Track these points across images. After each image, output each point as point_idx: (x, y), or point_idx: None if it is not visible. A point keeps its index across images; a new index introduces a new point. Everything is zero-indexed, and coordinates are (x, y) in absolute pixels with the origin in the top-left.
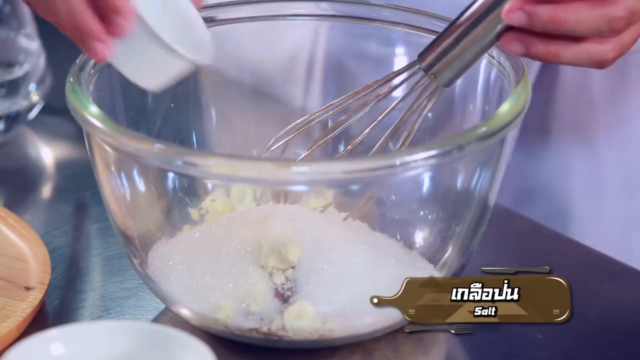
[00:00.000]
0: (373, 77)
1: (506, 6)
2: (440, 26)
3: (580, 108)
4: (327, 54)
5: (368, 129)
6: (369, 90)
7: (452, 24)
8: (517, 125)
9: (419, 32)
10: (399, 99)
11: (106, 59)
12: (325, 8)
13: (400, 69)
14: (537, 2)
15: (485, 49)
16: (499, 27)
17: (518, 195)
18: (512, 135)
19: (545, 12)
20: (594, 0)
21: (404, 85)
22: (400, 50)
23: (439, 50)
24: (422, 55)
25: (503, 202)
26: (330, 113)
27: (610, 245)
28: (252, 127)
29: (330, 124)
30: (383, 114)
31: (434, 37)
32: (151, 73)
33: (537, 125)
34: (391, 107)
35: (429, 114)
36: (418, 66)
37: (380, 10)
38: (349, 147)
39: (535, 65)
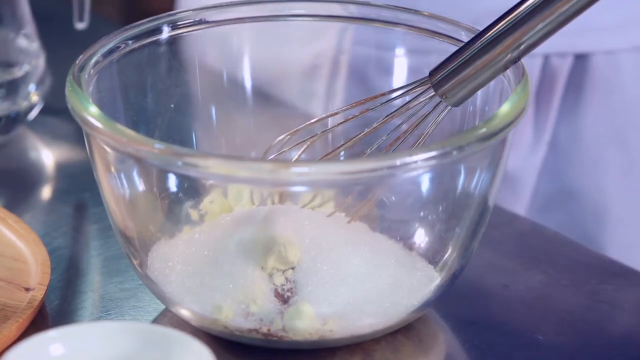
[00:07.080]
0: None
1: None
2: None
3: (613, 106)
4: (352, 57)
5: (376, 145)
6: (376, 105)
7: (467, 46)
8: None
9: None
10: (401, 117)
11: None
12: (352, 10)
13: (408, 85)
14: None
15: (499, 72)
16: (516, 53)
17: (550, 197)
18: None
19: None
20: None
21: (408, 99)
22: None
23: (451, 71)
24: (433, 74)
25: (535, 203)
26: (329, 125)
27: None
28: (252, 128)
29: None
30: (387, 133)
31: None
32: None
33: (569, 125)
34: (397, 125)
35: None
36: (428, 85)
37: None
38: (342, 147)
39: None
